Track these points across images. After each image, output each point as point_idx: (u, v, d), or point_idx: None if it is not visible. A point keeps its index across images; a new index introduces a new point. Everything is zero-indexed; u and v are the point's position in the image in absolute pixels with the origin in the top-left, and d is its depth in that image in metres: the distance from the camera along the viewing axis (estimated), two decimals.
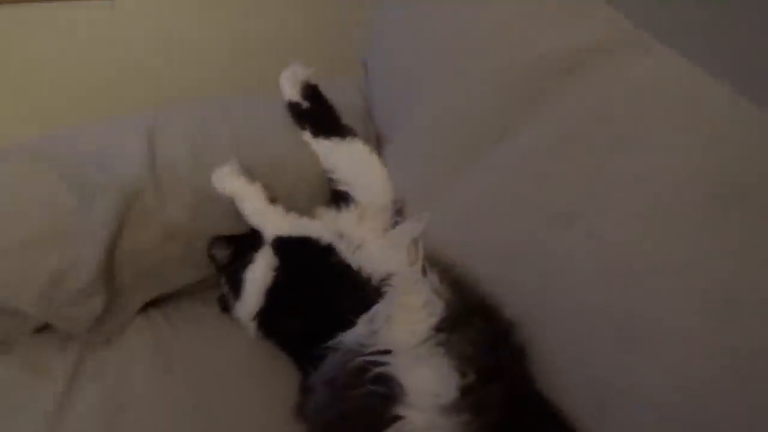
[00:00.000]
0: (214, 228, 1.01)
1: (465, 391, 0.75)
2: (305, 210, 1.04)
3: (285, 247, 0.94)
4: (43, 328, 0.98)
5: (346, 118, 1.11)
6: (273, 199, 0.98)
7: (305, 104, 1.07)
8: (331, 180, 1.06)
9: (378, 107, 1.14)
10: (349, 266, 0.89)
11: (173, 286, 1.04)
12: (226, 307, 1.03)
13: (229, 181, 0.96)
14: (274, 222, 0.95)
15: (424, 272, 0.91)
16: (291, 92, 1.07)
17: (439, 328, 0.83)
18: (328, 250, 0.91)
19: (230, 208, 0.99)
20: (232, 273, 1.01)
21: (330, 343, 0.83)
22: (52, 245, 0.90)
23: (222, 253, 1.01)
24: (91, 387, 0.89)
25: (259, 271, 0.96)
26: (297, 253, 0.93)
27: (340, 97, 1.14)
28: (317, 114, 1.07)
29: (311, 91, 1.08)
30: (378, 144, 1.14)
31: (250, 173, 1.00)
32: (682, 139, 0.71)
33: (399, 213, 1.04)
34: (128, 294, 0.99)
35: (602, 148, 0.75)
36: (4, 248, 0.88)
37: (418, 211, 0.98)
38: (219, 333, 1.01)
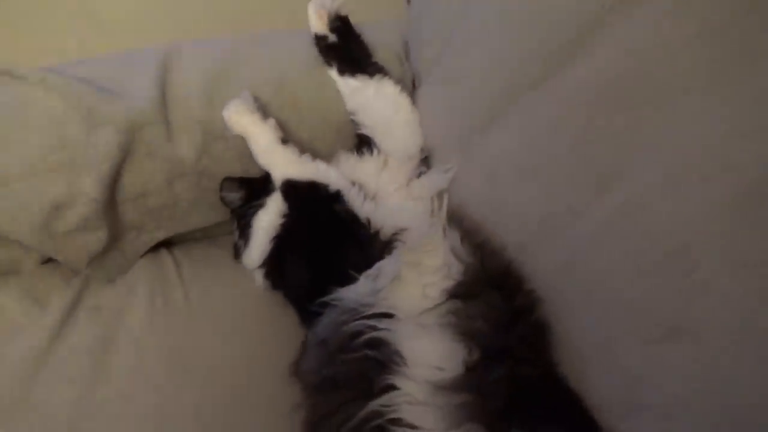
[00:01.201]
0: (224, 169, 0.94)
1: (470, 369, 0.66)
2: (327, 156, 0.95)
3: (292, 191, 0.85)
4: (50, 261, 0.95)
5: (380, 57, 1.00)
6: (285, 141, 0.89)
7: (333, 38, 0.96)
8: (354, 123, 0.96)
9: (417, 47, 1.01)
10: (356, 216, 0.80)
11: (183, 227, 0.98)
12: (238, 254, 0.97)
13: (239, 116, 0.87)
14: (283, 163, 0.87)
15: (444, 230, 0.81)
16: (318, 24, 0.96)
17: (453, 294, 0.74)
18: (335, 197, 0.82)
19: (242, 149, 0.92)
20: (242, 218, 0.94)
21: (328, 298, 0.74)
22: (54, 175, 0.85)
23: (232, 196, 0.95)
24: (85, 322, 0.86)
25: (268, 218, 0.90)
26: (304, 199, 0.85)
27: (375, 33, 1.03)
28: (345, 49, 0.96)
29: (341, 24, 0.97)
30: (414, 88, 1.02)
31: (268, 113, 0.92)
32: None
33: (425, 163, 0.93)
34: (134, 233, 0.94)
35: (656, 99, 0.60)
36: (6, 175, 0.84)
37: (447, 162, 0.87)
38: (226, 281, 0.95)
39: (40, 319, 0.86)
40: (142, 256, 0.97)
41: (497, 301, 0.71)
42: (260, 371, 0.82)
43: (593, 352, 0.63)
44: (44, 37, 1.46)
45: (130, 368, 0.81)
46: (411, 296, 0.74)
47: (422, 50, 0.98)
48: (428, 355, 0.68)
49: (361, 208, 0.81)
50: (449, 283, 0.75)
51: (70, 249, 0.88)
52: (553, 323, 0.69)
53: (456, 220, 0.81)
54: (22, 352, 0.82)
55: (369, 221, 0.80)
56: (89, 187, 0.85)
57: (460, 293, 0.73)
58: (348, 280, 0.75)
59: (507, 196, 0.76)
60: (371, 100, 0.94)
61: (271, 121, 0.89)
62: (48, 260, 0.95)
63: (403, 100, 0.96)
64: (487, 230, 0.78)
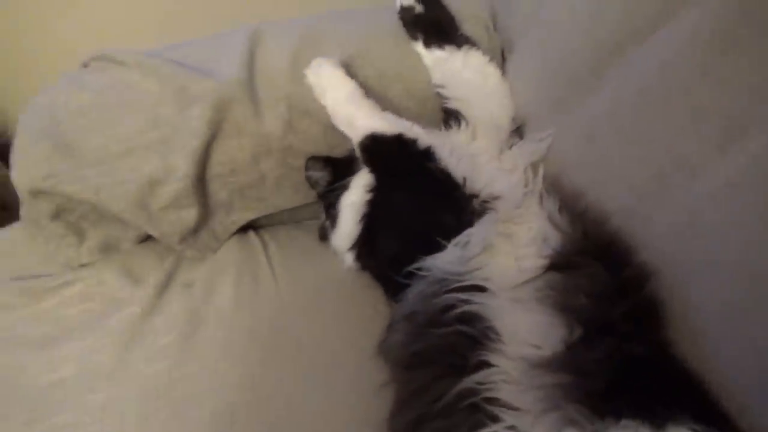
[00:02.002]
0: (311, 146, 0.93)
1: (570, 348, 0.60)
2: None
3: (377, 147, 0.80)
4: (147, 240, 0.98)
5: (467, 27, 0.96)
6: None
7: (418, 8, 0.93)
8: (441, 96, 0.92)
9: (507, 14, 0.96)
10: (450, 175, 0.74)
11: (270, 208, 0.98)
12: (324, 236, 0.95)
13: (321, 70, 0.85)
14: (365, 115, 0.82)
15: (541, 199, 0.75)
16: None
17: (551, 266, 0.67)
18: (426, 154, 0.76)
19: (327, 126, 0.91)
20: (328, 199, 0.93)
21: (415, 266, 0.70)
22: (149, 152, 0.88)
23: (317, 175, 0.93)
24: (177, 297, 0.88)
25: (354, 197, 0.86)
26: (391, 156, 0.79)
27: (462, 3, 0.99)
28: (432, 20, 0.92)
29: None
30: (503, 59, 0.97)
31: None
32: None
33: (517, 134, 0.87)
34: (224, 212, 0.96)
35: None
36: (106, 154, 0.88)
37: (542, 130, 0.81)
38: (312, 262, 0.94)
39: (136, 294, 0.89)
40: (231, 236, 0.98)
41: (601, 274, 0.64)
42: (347, 350, 0.80)
43: (717, 324, 0.55)
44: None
45: (218, 344, 0.82)
46: (505, 268, 0.69)
47: (513, 16, 0.93)
48: (525, 332, 0.63)
49: (456, 166, 0.75)
50: (546, 255, 0.69)
51: (165, 225, 0.90)
52: (666, 298, 0.61)
53: (553, 189, 0.75)
54: (120, 324, 0.84)
55: (465, 181, 0.75)
56: (181, 163, 0.87)
57: (559, 265, 0.67)
58: (437, 248, 0.71)
59: (610, 158, 0.69)
60: (459, 71, 0.90)
61: (355, 82, 0.86)
62: (144, 239, 0.98)
63: (492, 69, 0.91)
64: (588, 197, 0.71)
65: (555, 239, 0.69)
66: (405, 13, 0.94)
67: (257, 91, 0.90)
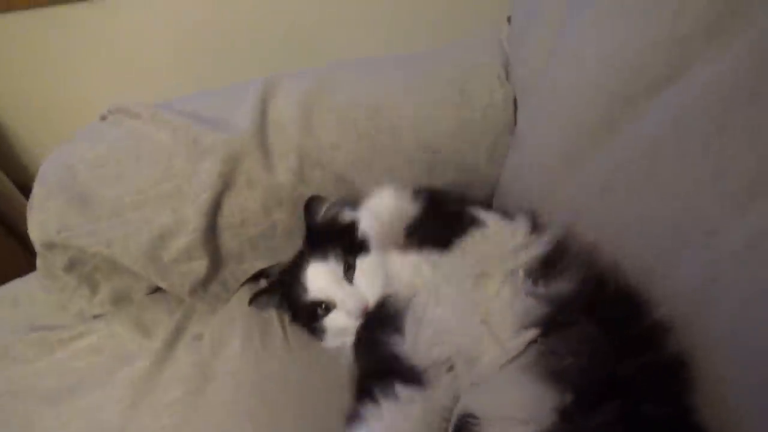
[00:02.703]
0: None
1: (565, 416, 0.55)
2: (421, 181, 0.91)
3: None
4: (157, 291, 0.98)
5: (479, 76, 0.95)
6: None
7: None
8: None
9: (518, 65, 0.95)
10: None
11: (282, 256, 0.97)
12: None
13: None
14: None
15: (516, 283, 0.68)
16: None
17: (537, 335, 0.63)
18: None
19: (339, 178, 0.91)
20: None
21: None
22: (161, 204, 0.89)
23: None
24: (186, 351, 0.88)
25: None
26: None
27: (475, 54, 0.99)
28: None
29: None
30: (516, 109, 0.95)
31: (365, 137, 0.90)
32: None
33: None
34: (234, 262, 0.95)
35: None
36: (120, 206, 0.89)
37: (553, 183, 0.79)
38: None
39: (145, 347, 0.88)
40: (242, 285, 0.98)
41: (592, 330, 0.60)
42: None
43: (747, 397, 0.51)
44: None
45: (226, 400, 0.80)
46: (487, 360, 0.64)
47: (524, 66, 0.92)
48: (507, 409, 0.58)
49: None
50: (529, 326, 0.63)
51: (175, 277, 0.90)
52: (692, 359, 0.58)
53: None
54: (128, 378, 0.84)
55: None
56: (192, 216, 0.87)
57: (544, 331, 0.62)
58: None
59: (624, 213, 0.67)
60: None
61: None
62: (156, 290, 0.98)
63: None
64: (601, 252, 0.69)
65: (537, 309, 0.64)
66: None
67: (268, 142, 0.91)
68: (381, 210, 0.73)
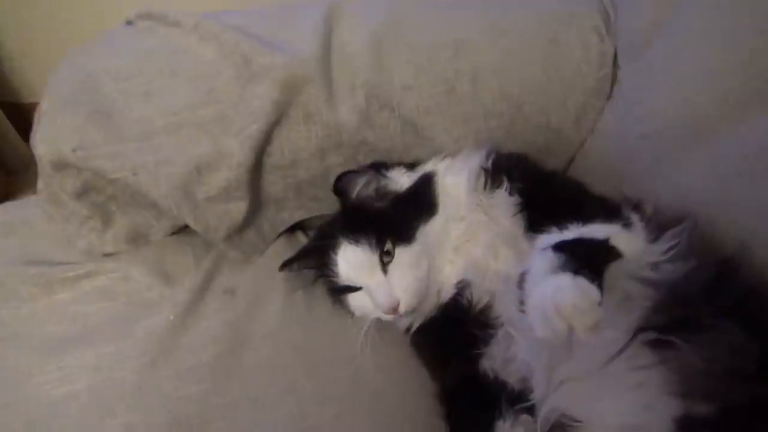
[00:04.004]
0: (386, 142, 0.80)
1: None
2: (501, 137, 0.80)
3: None
4: (179, 232, 0.85)
5: (577, 28, 0.82)
6: None
7: None
8: None
9: (629, 18, 0.82)
10: None
11: (326, 209, 0.84)
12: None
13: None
14: None
15: None
16: None
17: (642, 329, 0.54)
18: None
19: (408, 124, 0.78)
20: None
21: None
22: (200, 132, 0.75)
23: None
24: (217, 306, 0.76)
25: None
26: None
27: (572, 3, 0.86)
28: None
29: None
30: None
31: (442, 80, 0.78)
32: None
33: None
34: (274, 208, 0.82)
35: None
36: (149, 128, 0.75)
37: (673, 150, 0.68)
38: None
39: (168, 297, 0.76)
40: (278, 237, 0.85)
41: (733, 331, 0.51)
42: (403, 378, 0.70)
43: None
44: None
45: (264, 368, 0.69)
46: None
47: (637, 19, 0.79)
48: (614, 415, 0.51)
49: None
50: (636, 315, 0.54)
51: (210, 218, 0.77)
52: None
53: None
54: (147, 333, 0.71)
55: None
56: (237, 149, 0.73)
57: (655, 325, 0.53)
58: None
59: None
60: None
61: None
62: (177, 231, 0.85)
63: None
64: (728, 239, 0.58)
65: (644, 293, 0.55)
66: None
67: (332, 74, 0.77)
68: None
